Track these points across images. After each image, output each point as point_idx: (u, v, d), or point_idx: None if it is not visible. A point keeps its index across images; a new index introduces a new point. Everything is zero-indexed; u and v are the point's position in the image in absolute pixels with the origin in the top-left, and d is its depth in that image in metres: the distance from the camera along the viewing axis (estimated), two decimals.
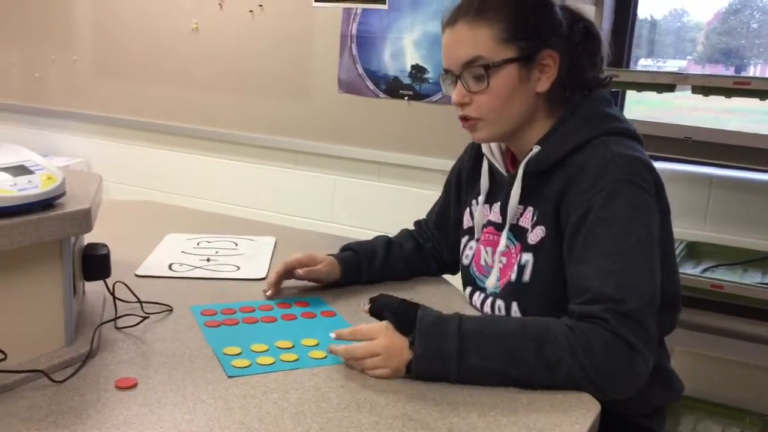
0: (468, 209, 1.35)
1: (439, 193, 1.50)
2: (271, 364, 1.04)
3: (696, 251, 2.19)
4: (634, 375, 1.02)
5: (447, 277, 1.50)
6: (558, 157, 1.15)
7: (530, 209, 1.19)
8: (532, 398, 0.98)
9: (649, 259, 1.08)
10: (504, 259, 1.22)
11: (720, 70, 2.67)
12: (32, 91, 3.51)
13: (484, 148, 1.29)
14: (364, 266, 1.40)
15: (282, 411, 0.91)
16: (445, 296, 1.38)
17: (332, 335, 1.07)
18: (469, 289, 1.33)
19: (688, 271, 2.02)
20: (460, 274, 1.38)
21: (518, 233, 1.20)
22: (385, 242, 1.45)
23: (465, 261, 1.34)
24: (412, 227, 1.53)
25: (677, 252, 2.10)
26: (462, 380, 1.00)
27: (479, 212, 1.30)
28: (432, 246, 1.48)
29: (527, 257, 1.17)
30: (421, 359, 1.00)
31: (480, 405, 0.95)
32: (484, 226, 1.29)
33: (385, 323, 1.05)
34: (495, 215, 1.26)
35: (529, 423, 0.91)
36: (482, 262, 1.29)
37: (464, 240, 1.35)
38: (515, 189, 1.19)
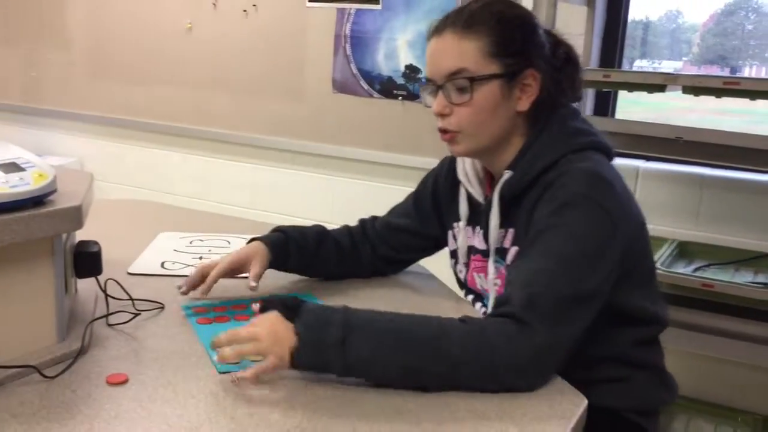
0: (451, 232, 1.35)
1: None
2: (261, 360, 1.04)
3: (687, 251, 2.20)
4: (539, 362, 0.99)
5: (439, 275, 1.51)
6: (529, 180, 1.16)
7: (511, 231, 1.20)
8: (520, 393, 0.98)
9: (585, 269, 1.05)
10: (498, 281, 1.23)
11: (715, 71, 2.68)
12: (28, 90, 3.51)
13: (460, 174, 1.29)
14: (293, 249, 1.34)
15: (272, 405, 0.92)
16: (437, 296, 1.39)
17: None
18: (471, 297, 1.35)
19: (680, 270, 2.03)
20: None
21: (503, 255, 1.21)
22: (319, 233, 1.39)
23: (460, 277, 1.35)
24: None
25: (669, 251, 2.12)
26: (349, 370, 0.96)
27: (462, 235, 1.30)
28: (370, 249, 1.43)
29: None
30: (303, 345, 0.96)
31: (467, 399, 0.96)
32: (472, 251, 1.29)
33: (271, 313, 1.02)
34: (479, 242, 1.27)
35: (515, 417, 0.92)
36: (479, 287, 1.30)
37: (452, 262, 1.36)
38: (493, 218, 1.20)
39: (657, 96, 2.08)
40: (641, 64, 2.75)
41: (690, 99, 2.05)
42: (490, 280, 1.23)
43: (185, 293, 1.26)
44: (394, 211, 1.47)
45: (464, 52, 1.15)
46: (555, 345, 1.00)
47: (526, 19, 1.19)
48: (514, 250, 1.18)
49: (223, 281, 1.33)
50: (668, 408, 2.21)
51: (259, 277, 1.26)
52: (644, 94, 2.07)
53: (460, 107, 1.16)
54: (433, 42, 1.19)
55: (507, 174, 1.18)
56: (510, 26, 1.16)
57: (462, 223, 1.30)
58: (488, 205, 1.22)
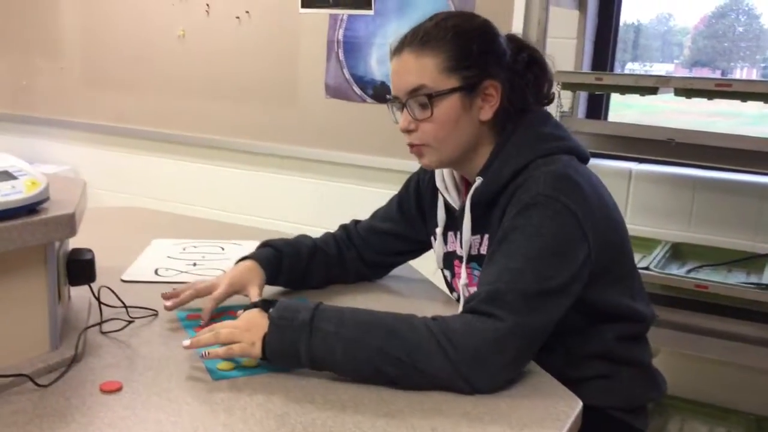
0: (433, 236, 1.36)
1: None
2: (255, 366, 1.04)
3: (680, 252, 2.21)
4: (499, 349, 0.98)
5: (432, 276, 1.51)
6: (499, 186, 1.17)
7: (487, 236, 1.21)
8: (514, 395, 0.99)
9: (550, 266, 1.06)
10: (473, 290, 1.22)
11: (706, 73, 2.69)
12: (19, 99, 3.50)
13: (438, 181, 1.31)
14: (285, 267, 1.35)
15: (267, 412, 0.92)
16: (429, 300, 1.40)
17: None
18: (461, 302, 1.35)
19: (673, 271, 2.04)
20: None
21: (481, 262, 1.21)
22: (312, 247, 1.40)
23: (448, 280, 1.36)
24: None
25: (662, 253, 2.12)
26: (313, 351, 0.99)
27: (438, 242, 1.32)
28: (355, 254, 1.44)
29: None
30: (274, 328, 1.01)
31: (463, 404, 0.96)
32: (453, 256, 1.31)
33: (254, 309, 1.07)
34: (458, 247, 1.28)
35: (512, 421, 0.92)
36: (464, 293, 1.30)
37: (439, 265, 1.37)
38: (466, 223, 1.22)
39: (648, 98, 2.08)
40: (633, 67, 2.76)
41: (682, 102, 2.06)
42: (462, 285, 1.24)
43: (170, 308, 1.24)
44: (378, 214, 1.47)
45: (421, 70, 1.16)
46: (517, 335, 1.00)
47: (482, 30, 1.20)
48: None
49: None
50: (662, 408, 2.22)
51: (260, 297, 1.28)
52: (635, 96, 2.08)
53: (424, 123, 1.18)
54: (394, 61, 1.21)
55: (478, 181, 1.20)
56: (465, 39, 1.17)
57: (439, 230, 1.32)
58: (462, 212, 1.23)
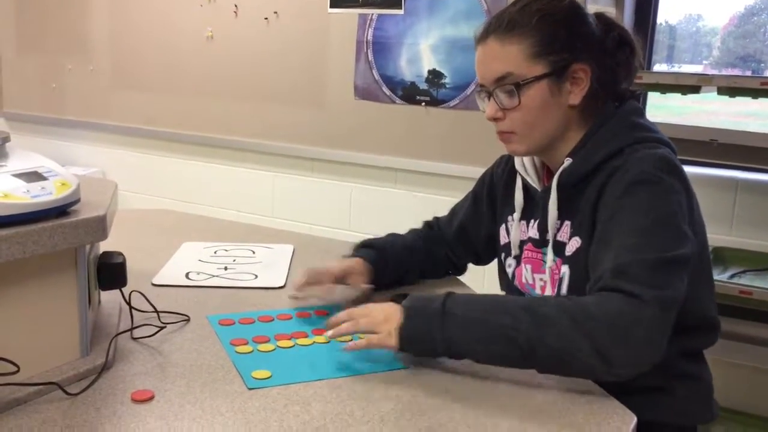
0: (504, 225, 1.33)
1: (457, 199, 1.48)
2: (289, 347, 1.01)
3: (722, 257, 2.14)
4: (636, 321, 0.95)
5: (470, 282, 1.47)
6: (590, 168, 1.14)
7: (567, 223, 1.17)
8: (564, 411, 0.94)
9: (666, 238, 1.03)
10: (546, 277, 1.20)
11: (737, 73, 2.64)
12: (49, 101, 3.52)
13: (517, 164, 1.28)
14: (389, 268, 1.36)
15: (304, 425, 0.88)
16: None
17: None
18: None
19: (715, 277, 1.96)
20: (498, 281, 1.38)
21: (557, 248, 1.18)
22: (408, 248, 1.41)
23: (508, 272, 1.32)
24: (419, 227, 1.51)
25: None
26: (448, 333, 0.99)
27: (515, 229, 1.28)
28: (444, 254, 1.45)
29: (564, 269, 1.16)
30: (409, 316, 1.02)
31: (510, 417, 0.91)
32: (525, 243, 1.27)
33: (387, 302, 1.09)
34: (534, 232, 1.24)
35: None
36: (523, 280, 1.27)
37: (502, 256, 1.34)
38: (552, 204, 1.18)
39: (676, 99, 2.02)
40: (662, 68, 2.70)
41: (712, 102, 2.00)
42: (548, 268, 1.20)
43: (299, 297, 1.27)
44: (455, 209, 1.47)
45: (507, 57, 1.14)
46: (651, 307, 0.97)
47: (569, 12, 1.16)
48: (574, 241, 1.15)
49: (251, 294, 1.29)
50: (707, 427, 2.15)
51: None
52: (667, 97, 2.02)
53: (512, 111, 1.16)
54: (479, 49, 1.19)
55: (567, 161, 1.17)
56: (552, 23, 1.14)
57: (516, 215, 1.28)
58: (546, 193, 1.20)
